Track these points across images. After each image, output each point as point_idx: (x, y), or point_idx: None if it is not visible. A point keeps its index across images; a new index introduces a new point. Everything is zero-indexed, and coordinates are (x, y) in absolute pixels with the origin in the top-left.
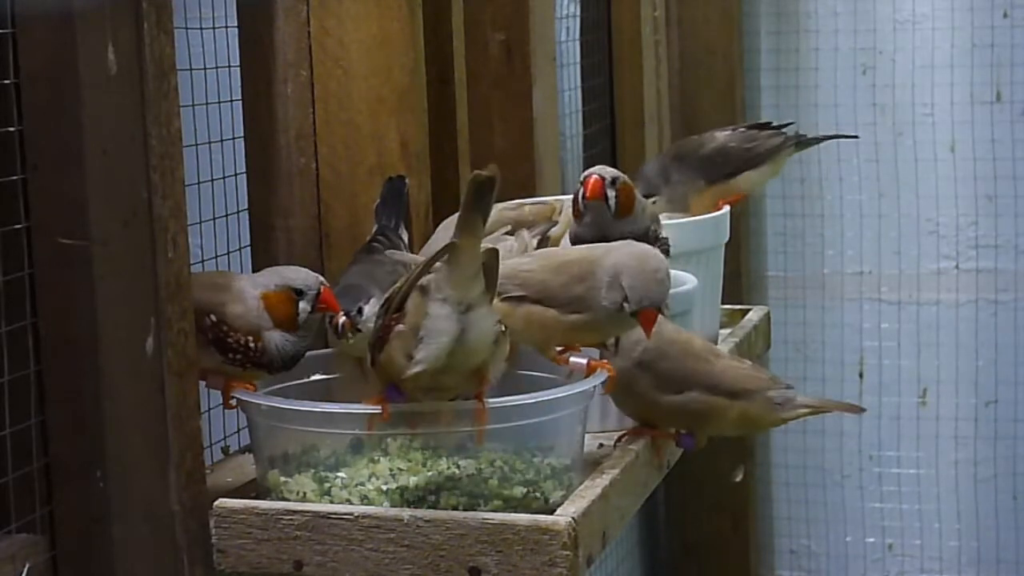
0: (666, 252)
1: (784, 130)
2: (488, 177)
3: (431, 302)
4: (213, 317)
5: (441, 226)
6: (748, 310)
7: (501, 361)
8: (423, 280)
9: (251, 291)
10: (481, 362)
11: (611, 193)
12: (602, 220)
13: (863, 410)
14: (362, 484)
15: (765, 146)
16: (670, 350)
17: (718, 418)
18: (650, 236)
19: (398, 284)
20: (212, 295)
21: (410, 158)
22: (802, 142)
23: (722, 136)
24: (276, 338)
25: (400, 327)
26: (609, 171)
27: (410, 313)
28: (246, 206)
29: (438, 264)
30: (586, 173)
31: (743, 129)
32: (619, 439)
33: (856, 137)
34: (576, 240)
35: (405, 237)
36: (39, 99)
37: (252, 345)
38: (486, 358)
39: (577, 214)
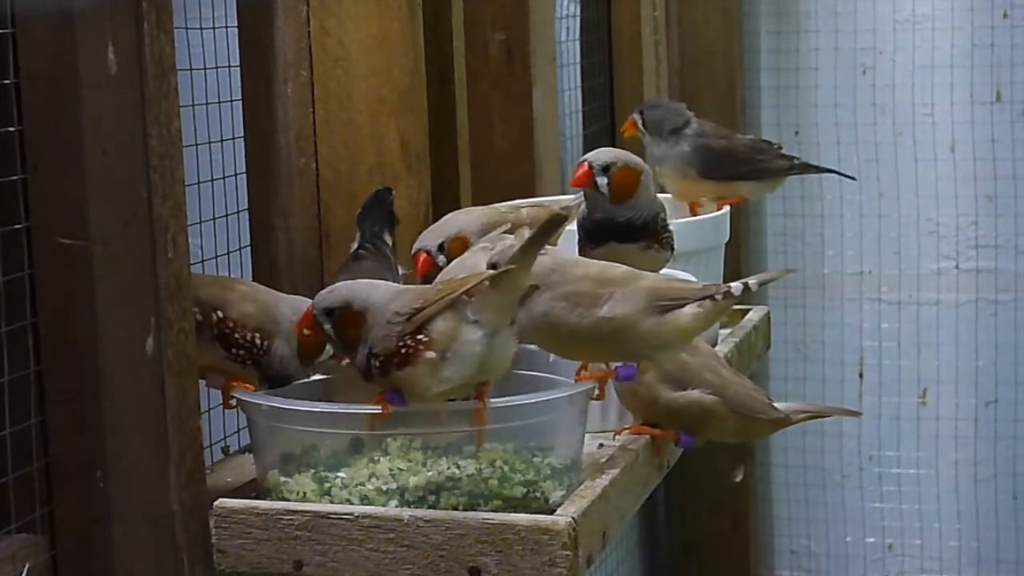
0: (670, 246)
1: (794, 159)
2: (563, 217)
3: (465, 325)
4: (220, 313)
5: (468, 252)
6: (748, 310)
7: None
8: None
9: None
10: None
11: (602, 180)
12: (601, 206)
13: (859, 414)
14: (362, 484)
15: (771, 164)
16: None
17: (718, 424)
18: (659, 224)
19: (430, 298)
20: (219, 292)
21: (410, 158)
22: (805, 168)
23: (737, 139)
24: (283, 349)
25: (431, 354)
26: (604, 157)
27: (443, 336)
28: (246, 206)
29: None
30: (582, 158)
31: (752, 138)
32: (618, 433)
33: (853, 179)
34: (582, 224)
35: (390, 242)
36: (39, 99)
37: (258, 342)
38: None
39: None
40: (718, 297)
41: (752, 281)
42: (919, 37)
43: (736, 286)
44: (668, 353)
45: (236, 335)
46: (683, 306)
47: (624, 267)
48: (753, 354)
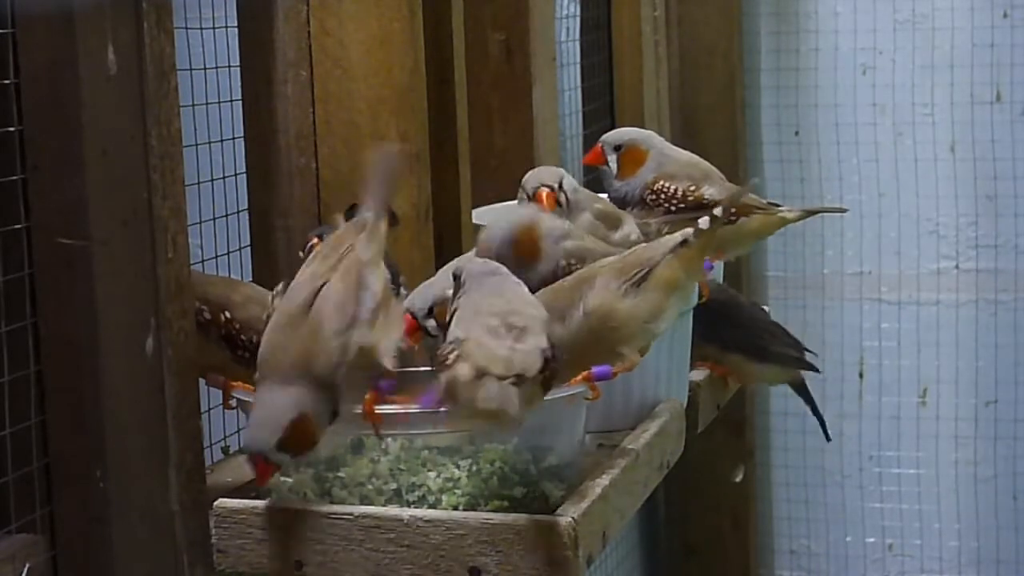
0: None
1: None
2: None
3: None
4: (227, 314)
5: (441, 270)
6: None
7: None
8: None
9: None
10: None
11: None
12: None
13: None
14: (362, 484)
15: None
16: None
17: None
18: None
19: None
20: (226, 292)
21: (410, 158)
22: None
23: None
24: None
25: None
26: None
27: None
28: (246, 206)
29: None
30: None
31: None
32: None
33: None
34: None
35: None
36: (39, 99)
37: None
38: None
39: None
40: (690, 239)
41: (717, 210)
42: (919, 37)
43: (703, 220)
44: (666, 315)
45: (243, 336)
46: (655, 265)
47: (596, 264)
48: None
